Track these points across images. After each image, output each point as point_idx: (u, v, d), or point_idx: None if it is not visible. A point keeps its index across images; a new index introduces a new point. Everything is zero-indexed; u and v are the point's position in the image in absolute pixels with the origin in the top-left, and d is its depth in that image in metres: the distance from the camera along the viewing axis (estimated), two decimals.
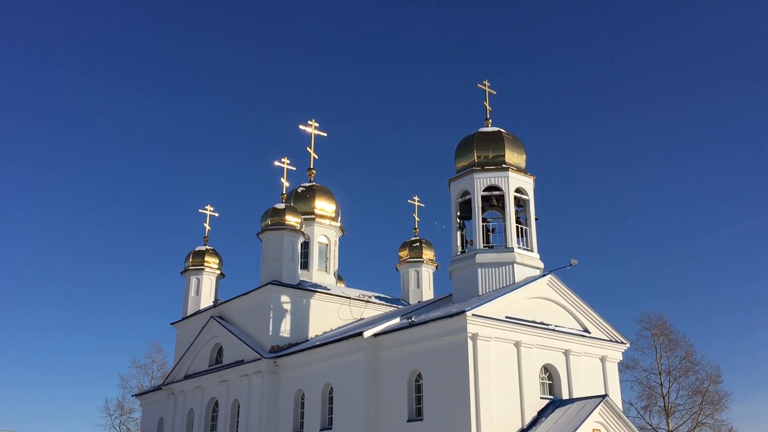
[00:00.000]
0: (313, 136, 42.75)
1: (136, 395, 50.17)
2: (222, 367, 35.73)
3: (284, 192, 39.47)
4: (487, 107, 31.32)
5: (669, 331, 46.56)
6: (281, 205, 37.67)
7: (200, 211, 45.85)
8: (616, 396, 27.82)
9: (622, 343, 29.18)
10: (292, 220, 37.18)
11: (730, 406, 45.42)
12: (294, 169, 40.79)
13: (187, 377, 38.46)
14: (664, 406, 44.55)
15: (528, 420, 24.89)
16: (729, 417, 56.56)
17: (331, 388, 29.87)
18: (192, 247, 44.69)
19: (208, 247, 44.62)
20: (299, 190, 42.46)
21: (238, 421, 33.79)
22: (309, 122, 42.60)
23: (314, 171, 43.51)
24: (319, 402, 30.20)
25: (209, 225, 45.65)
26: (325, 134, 43.38)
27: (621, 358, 29.58)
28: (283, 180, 39.54)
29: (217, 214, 46.51)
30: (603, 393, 26.02)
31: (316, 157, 43.44)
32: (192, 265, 43.90)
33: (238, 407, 33.93)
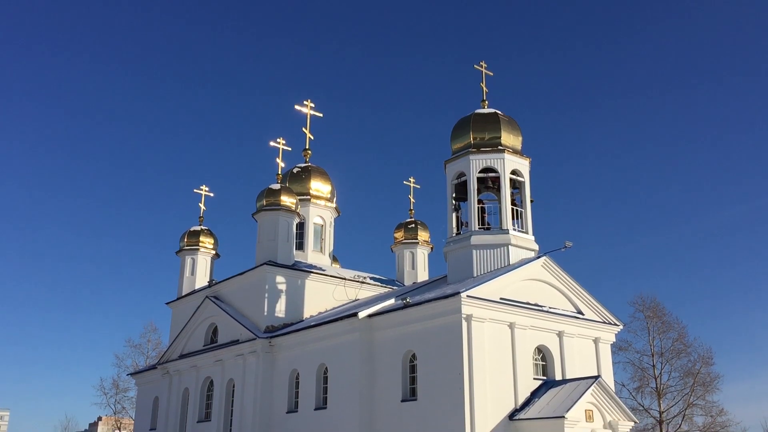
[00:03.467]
0: (308, 116, 42.61)
1: (132, 374, 50.36)
2: (217, 347, 35.86)
3: (279, 172, 39.38)
4: (484, 89, 31.24)
5: (662, 313, 46.89)
6: (276, 186, 37.61)
7: (195, 191, 45.80)
8: (608, 377, 28.04)
9: (616, 325, 29.37)
10: (287, 200, 37.14)
11: (721, 387, 45.87)
12: (289, 149, 40.73)
13: (182, 356, 38.60)
14: (656, 388, 44.92)
15: (521, 400, 25.11)
16: (720, 398, 57.10)
17: (326, 368, 30.02)
18: (187, 227, 44.69)
19: (203, 227, 44.59)
20: (295, 170, 42.36)
21: (233, 400, 33.96)
22: (305, 102, 42.46)
23: (310, 152, 43.42)
24: (314, 382, 30.37)
25: (204, 205, 45.63)
26: (321, 115, 43.28)
27: (614, 340, 29.79)
28: (278, 160, 39.45)
29: (212, 195, 46.48)
30: (596, 374, 26.21)
31: (312, 137, 43.38)
32: (187, 245, 43.88)
33: (233, 386, 34.09)
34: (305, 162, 43.16)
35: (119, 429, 74.35)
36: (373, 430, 27.18)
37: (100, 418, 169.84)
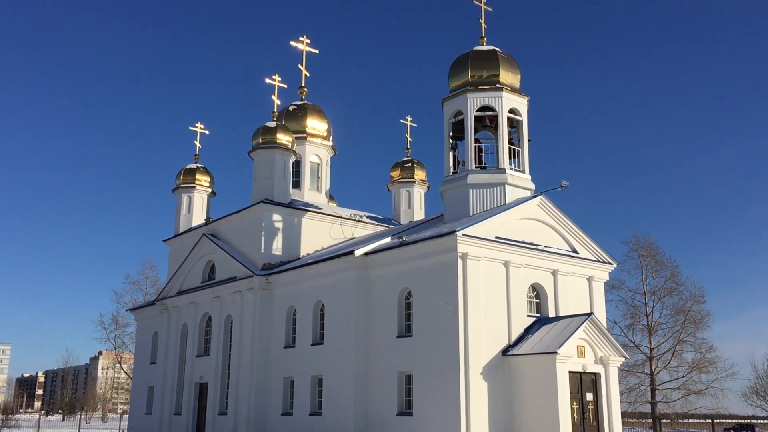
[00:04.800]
0: (304, 53, 41.95)
1: (131, 310, 51.01)
2: (215, 284, 36.22)
3: (275, 110, 39.01)
4: (483, 25, 30.68)
5: (656, 252, 47.20)
6: (272, 124, 37.31)
7: (190, 128, 45.45)
8: (601, 315, 28.48)
9: (609, 263, 29.67)
10: (283, 138, 36.91)
11: (711, 325, 46.59)
12: (285, 86, 40.25)
13: (180, 293, 39.02)
14: (648, 325, 45.62)
15: (515, 336, 25.57)
16: (710, 335, 58.20)
17: (323, 305, 30.42)
18: (183, 165, 44.54)
19: (199, 165, 44.42)
20: (290, 108, 41.95)
21: (231, 336, 34.51)
22: (300, 39, 41.72)
23: (306, 89, 42.94)
24: (311, 318, 30.82)
25: (200, 143, 45.35)
26: (317, 51, 42.61)
27: (607, 278, 30.15)
28: (274, 98, 39.04)
29: (207, 132, 46.18)
30: (589, 312, 26.61)
31: (308, 74, 42.81)
32: (183, 183, 43.82)
33: (231, 322, 34.60)
34: (301, 99, 42.73)
35: (120, 363, 75.76)
36: (369, 365, 27.75)
37: (100, 353, 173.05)
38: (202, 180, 44.11)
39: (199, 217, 43.13)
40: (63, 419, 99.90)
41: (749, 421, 48.26)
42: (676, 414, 48.23)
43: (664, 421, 48.15)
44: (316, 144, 41.65)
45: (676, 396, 45.88)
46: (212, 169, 45.12)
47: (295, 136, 38.64)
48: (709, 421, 44.90)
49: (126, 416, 62.25)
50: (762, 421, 52.09)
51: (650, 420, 47.68)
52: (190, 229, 41.89)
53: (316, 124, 41.93)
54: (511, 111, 29.02)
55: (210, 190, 44.49)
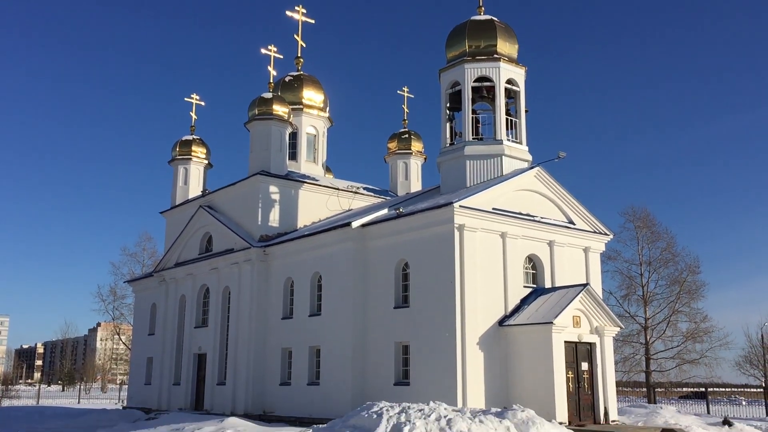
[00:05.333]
0: (300, 23, 41.51)
1: (128, 281, 51.14)
2: (212, 255, 36.29)
3: (271, 81, 38.73)
4: None
5: (652, 223, 47.36)
6: (268, 95, 37.07)
7: (186, 100, 45.17)
8: (597, 285, 28.66)
9: (606, 234, 29.77)
10: (279, 109, 36.71)
11: (706, 295, 46.97)
12: (281, 57, 39.93)
13: (177, 265, 39.10)
14: (643, 295, 45.93)
15: (511, 307, 25.74)
16: (704, 305, 58.73)
17: (320, 277, 30.53)
18: (179, 137, 44.35)
19: (195, 137, 44.23)
20: (287, 79, 41.66)
21: (229, 307, 34.68)
22: (296, 8, 41.25)
23: (302, 60, 42.62)
24: (308, 290, 30.95)
25: (195, 114, 45.10)
26: (313, 21, 42.17)
27: (604, 249, 30.28)
28: (270, 68, 38.73)
29: (203, 104, 45.86)
30: (585, 282, 26.76)
31: (304, 45, 42.42)
32: (179, 155, 43.66)
33: (229, 294, 34.74)
34: (297, 70, 42.41)
35: (118, 334, 76.15)
36: (366, 336, 27.94)
37: (99, 324, 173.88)
38: (198, 152, 43.96)
39: (195, 189, 43.05)
40: (63, 390, 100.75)
41: (704, 389, 48.97)
42: (670, 383, 48.81)
43: (658, 390, 48.74)
44: (312, 115, 41.45)
45: (671, 365, 46.41)
46: (208, 140, 44.99)
47: (291, 107, 38.42)
48: (703, 389, 45.51)
49: (125, 386, 62.90)
50: (756, 389, 52.74)
51: (644, 389, 48.27)
52: (187, 201, 41.85)
53: (312, 95, 41.68)
54: (509, 81, 28.86)
55: (206, 161, 44.36)
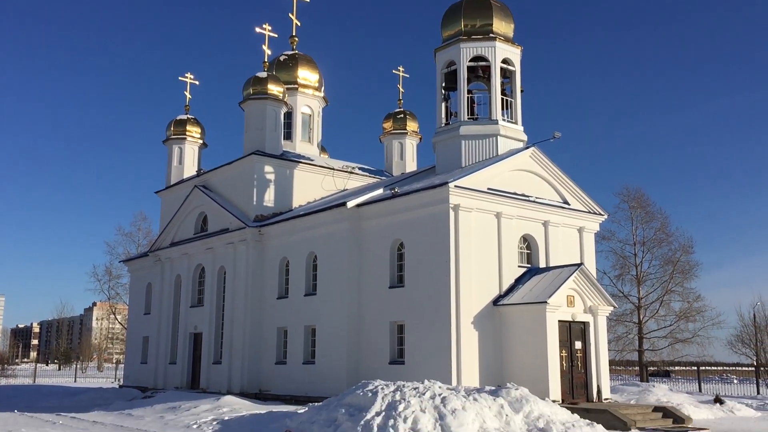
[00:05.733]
0: (295, 1, 41.22)
1: (124, 261, 51.18)
2: (207, 235, 36.31)
3: (266, 60, 38.52)
4: None
5: (646, 203, 47.47)
6: (263, 74, 36.89)
7: (180, 78, 44.90)
8: (591, 265, 28.81)
9: (600, 214, 29.88)
10: (274, 89, 36.55)
11: (699, 275, 47.23)
12: (276, 36, 39.69)
13: (173, 244, 39.12)
14: (637, 275, 46.17)
15: (506, 287, 25.88)
16: (697, 285, 59.10)
17: (315, 256, 30.61)
18: (173, 116, 44.17)
19: (189, 116, 44.03)
20: (281, 58, 41.42)
21: (224, 286, 34.77)
22: None
23: (297, 39, 42.34)
24: (304, 269, 31.04)
25: (190, 93, 44.85)
26: (308, 0, 41.87)
27: (598, 229, 30.40)
28: (264, 47, 38.52)
29: (197, 83, 45.63)
30: (579, 262, 26.90)
31: (299, 24, 42.14)
32: (174, 135, 43.50)
33: (224, 273, 34.81)
34: (292, 49, 42.16)
35: (114, 314, 76.35)
36: (361, 315, 28.09)
37: (94, 304, 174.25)
38: (193, 131, 43.79)
39: (190, 168, 42.97)
40: (59, 369, 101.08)
41: (667, 368, 49.68)
42: (662, 362, 49.22)
43: (651, 368, 49.18)
44: (307, 95, 41.27)
45: (663, 344, 46.76)
46: (203, 120, 44.91)
47: (286, 86, 38.26)
48: (695, 368, 45.91)
49: (121, 366, 63.12)
50: (747, 368, 53.24)
51: (637, 368, 48.69)
52: (182, 181, 41.78)
53: (307, 75, 41.47)
54: (504, 61, 28.78)
55: (201, 141, 44.21)
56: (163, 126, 44.68)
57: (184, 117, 43.88)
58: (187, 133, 43.51)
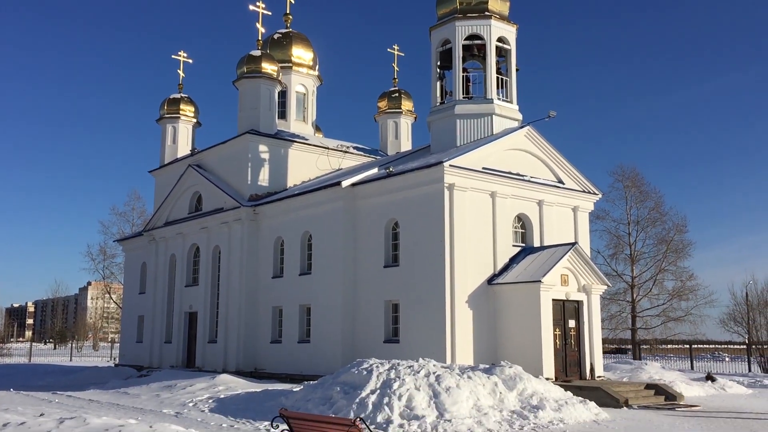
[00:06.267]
0: None
1: (118, 240, 51.14)
2: (202, 215, 36.26)
3: (260, 38, 38.24)
4: None
5: (640, 183, 47.58)
6: (257, 52, 36.64)
7: (173, 57, 44.56)
8: (585, 244, 28.91)
9: (595, 194, 29.93)
10: (268, 67, 36.32)
11: (692, 254, 47.53)
12: (269, 14, 39.38)
13: (167, 224, 39.07)
14: (630, 254, 46.39)
15: (500, 266, 25.97)
16: (691, 264, 59.49)
17: (310, 236, 30.62)
18: (167, 95, 43.89)
19: (183, 95, 43.75)
20: (275, 36, 41.11)
21: (219, 266, 34.79)
22: None
23: (291, 17, 42.00)
24: (298, 249, 31.07)
25: (183, 72, 44.55)
26: None
27: (592, 209, 30.47)
28: (258, 25, 38.22)
29: (191, 61, 45.28)
30: (573, 241, 26.98)
31: (293, 1, 41.85)
32: (167, 113, 43.25)
33: (219, 253, 34.82)
34: (286, 27, 41.84)
35: (109, 293, 76.43)
36: (356, 294, 28.18)
37: (89, 283, 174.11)
38: (187, 110, 43.55)
39: (184, 147, 42.79)
40: (54, 348, 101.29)
41: (627, 346, 50.35)
42: (655, 340, 49.62)
43: (644, 346, 49.57)
44: (301, 73, 41.04)
45: (656, 323, 47.12)
46: (197, 98, 44.56)
47: (280, 65, 38.01)
48: (687, 346, 46.32)
49: (117, 344, 63.30)
50: (739, 346, 53.76)
51: (630, 346, 49.06)
52: (176, 160, 41.62)
53: (301, 53, 41.20)
54: (500, 40, 28.63)
55: (195, 120, 43.99)
56: (157, 105, 44.50)
57: (178, 96, 43.60)
58: (181, 111, 43.27)
